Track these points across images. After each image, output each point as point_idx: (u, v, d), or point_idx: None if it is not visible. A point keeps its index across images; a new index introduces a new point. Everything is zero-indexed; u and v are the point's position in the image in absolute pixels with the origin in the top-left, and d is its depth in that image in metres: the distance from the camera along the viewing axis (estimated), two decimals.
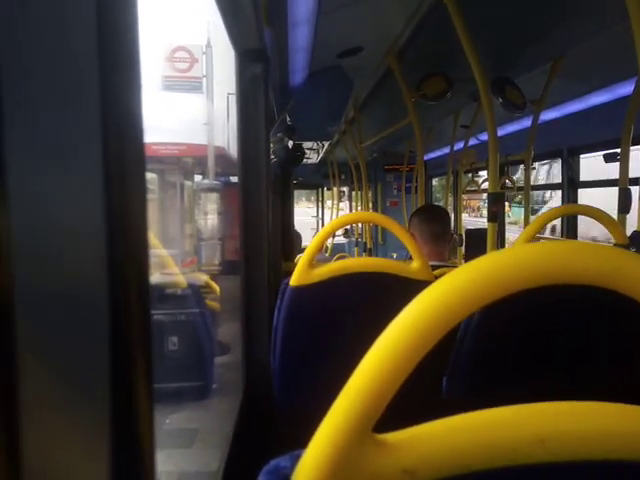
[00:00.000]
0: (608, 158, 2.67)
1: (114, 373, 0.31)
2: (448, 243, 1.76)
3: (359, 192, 6.17)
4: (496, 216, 1.94)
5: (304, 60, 2.11)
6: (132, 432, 0.33)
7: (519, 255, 0.28)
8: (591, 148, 3.07)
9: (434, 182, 7.07)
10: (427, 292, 0.29)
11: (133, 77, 0.33)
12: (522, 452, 0.29)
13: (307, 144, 4.05)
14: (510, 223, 7.54)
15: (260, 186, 1.16)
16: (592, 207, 1.19)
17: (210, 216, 4.47)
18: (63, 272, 0.30)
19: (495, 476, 0.29)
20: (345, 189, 7.95)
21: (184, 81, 5.09)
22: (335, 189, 7.44)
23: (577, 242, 0.30)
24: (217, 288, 4.10)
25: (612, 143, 2.44)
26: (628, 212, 2.09)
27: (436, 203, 6.80)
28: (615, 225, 1.08)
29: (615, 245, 1.12)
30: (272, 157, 2.34)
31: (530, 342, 0.98)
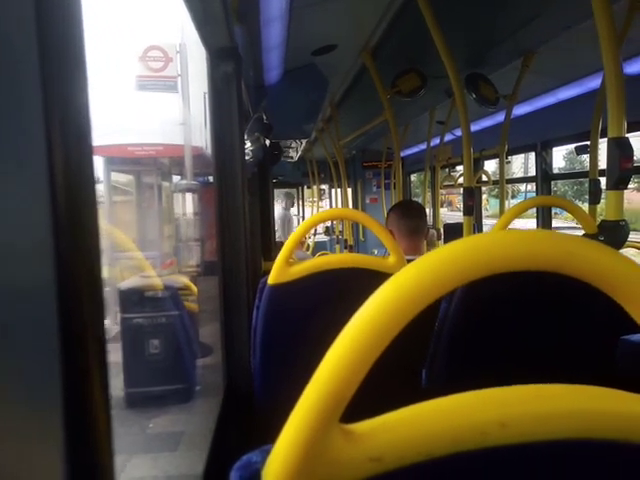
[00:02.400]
0: (579, 150, 2.73)
1: (65, 373, 0.31)
2: (425, 237, 1.78)
3: (339, 190, 6.18)
4: (472, 210, 1.97)
5: (278, 58, 2.10)
6: (87, 430, 0.33)
7: (474, 244, 0.29)
8: (563, 141, 3.14)
9: (413, 178, 7.13)
10: (386, 285, 0.29)
11: (78, 75, 0.33)
12: (484, 436, 0.30)
13: (285, 142, 4.04)
14: (488, 217, 7.66)
15: (236, 185, 1.16)
16: (562, 199, 1.22)
17: (189, 217, 4.42)
18: (9, 271, 0.29)
19: (459, 460, 0.30)
20: (325, 187, 7.96)
21: (158, 81, 5.01)
22: (315, 187, 7.44)
23: (531, 230, 0.31)
24: (196, 289, 4.08)
25: (583, 136, 2.50)
26: (598, 203, 2.14)
27: (415, 199, 6.87)
28: (584, 215, 1.11)
29: (585, 235, 1.15)
30: (250, 156, 2.33)
31: (505, 331, 1.00)
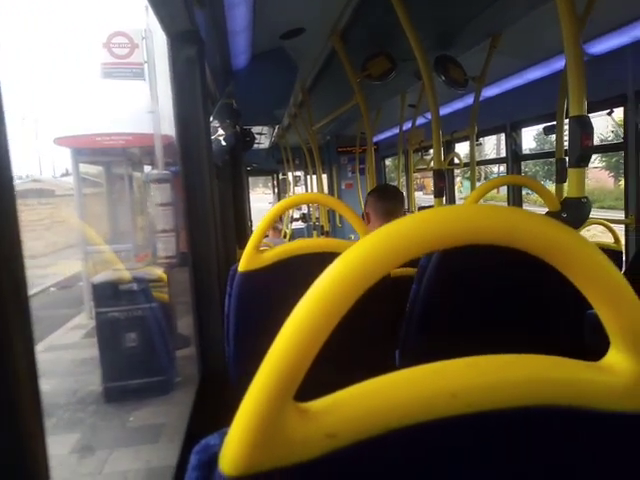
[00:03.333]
0: (547, 130, 2.79)
1: None
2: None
3: (314, 176, 6.16)
4: (442, 191, 1.99)
5: (245, 42, 2.06)
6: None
7: (419, 220, 0.29)
8: (532, 122, 3.19)
9: (388, 162, 7.16)
10: (334, 263, 0.29)
11: None
12: (435, 407, 0.30)
13: (257, 129, 3.99)
14: (462, 199, 7.77)
15: (202, 172, 1.14)
16: (528, 178, 1.25)
17: (162, 207, 4.35)
18: None
19: (413, 432, 0.30)
20: (300, 174, 7.92)
21: (124, 68, 4.86)
22: (290, 174, 7.40)
23: (480, 205, 0.32)
24: (172, 281, 4.03)
25: (551, 116, 2.55)
26: (564, 181, 2.19)
27: (390, 183, 6.90)
28: (547, 193, 1.14)
29: (548, 212, 1.18)
30: (220, 143, 2.29)
31: (474, 309, 1.02)
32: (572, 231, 0.31)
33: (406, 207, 4.29)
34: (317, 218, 6.18)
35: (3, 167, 0.32)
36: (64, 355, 4.40)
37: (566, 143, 2.23)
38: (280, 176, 8.19)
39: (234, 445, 0.29)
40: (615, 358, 0.32)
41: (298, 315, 0.29)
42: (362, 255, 0.29)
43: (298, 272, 1.06)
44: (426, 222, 0.29)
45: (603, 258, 0.30)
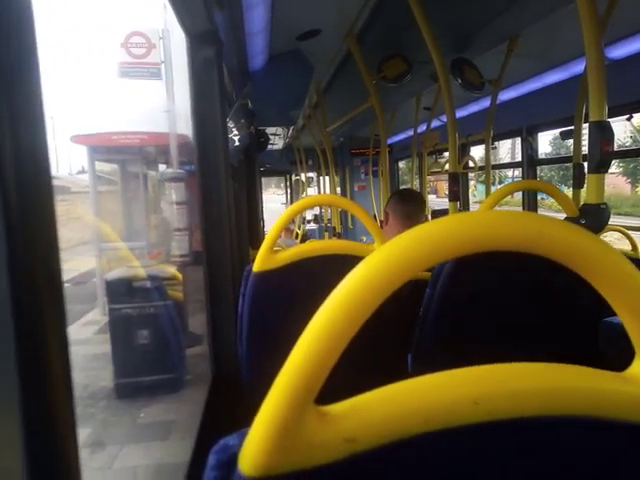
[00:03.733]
0: (564, 135, 2.75)
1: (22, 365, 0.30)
2: (421, 223, 1.80)
3: (327, 178, 6.16)
4: (457, 195, 1.97)
5: (262, 43, 2.07)
6: (46, 429, 0.33)
7: (443, 226, 0.29)
8: (548, 126, 3.16)
9: (401, 165, 7.13)
10: (358, 267, 0.29)
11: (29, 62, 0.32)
12: (457, 414, 0.30)
13: (271, 130, 4.00)
14: (476, 202, 7.71)
15: (219, 172, 1.14)
16: (545, 183, 1.23)
17: (176, 206, 4.38)
18: None
19: (433, 438, 0.30)
20: (313, 175, 7.93)
21: (141, 67, 4.92)
22: (303, 175, 7.41)
23: (502, 211, 0.31)
24: (185, 279, 4.06)
25: (568, 121, 2.51)
26: (582, 187, 2.16)
27: (403, 186, 6.87)
28: (565, 199, 1.12)
29: (566, 218, 1.17)
30: (235, 143, 2.30)
31: (489, 315, 1.01)
32: (597, 238, 0.30)
33: None
34: (329, 219, 6.17)
35: (43, 166, 0.33)
36: (77, 350, 4.45)
37: (584, 148, 2.21)
38: (293, 177, 8.21)
39: (254, 446, 0.29)
40: None
41: (321, 318, 0.29)
42: (386, 260, 0.29)
43: (312, 273, 1.07)
44: (450, 228, 0.29)
45: (630, 266, 0.30)
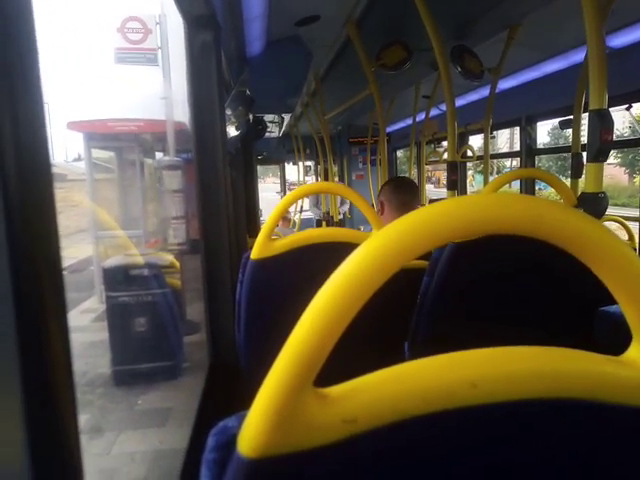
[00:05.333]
0: (563, 125, 2.74)
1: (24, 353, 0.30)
2: None
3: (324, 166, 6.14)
4: (455, 184, 1.97)
5: (260, 29, 2.05)
6: (48, 415, 0.33)
7: (440, 210, 0.29)
8: (547, 115, 3.14)
9: (399, 154, 7.10)
10: (355, 253, 0.29)
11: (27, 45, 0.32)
12: (455, 396, 0.30)
13: (269, 117, 3.98)
14: (474, 192, 7.71)
15: (216, 159, 1.14)
16: (544, 171, 1.24)
17: (173, 194, 4.36)
18: None
19: (432, 420, 0.30)
20: (311, 164, 7.90)
21: (138, 53, 4.84)
22: (300, 164, 7.37)
23: (501, 194, 0.31)
24: (182, 267, 4.06)
25: (567, 110, 2.50)
26: (580, 177, 2.16)
27: (401, 175, 6.85)
28: (563, 187, 1.12)
29: None
30: (233, 131, 2.28)
31: (485, 303, 1.02)
32: (599, 223, 0.30)
33: None
34: (327, 209, 6.16)
35: (42, 153, 0.33)
36: (75, 337, 4.41)
37: (583, 138, 2.20)
38: (292, 165, 8.17)
39: (253, 428, 0.29)
40: (638, 353, 0.32)
41: (320, 301, 0.29)
42: (385, 243, 0.29)
43: (310, 261, 1.07)
44: (449, 211, 0.29)
45: (630, 251, 0.30)
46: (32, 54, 0.33)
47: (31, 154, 0.33)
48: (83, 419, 3.24)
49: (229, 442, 0.32)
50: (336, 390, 0.31)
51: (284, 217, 4.90)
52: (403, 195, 1.73)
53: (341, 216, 5.83)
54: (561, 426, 0.32)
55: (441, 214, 0.29)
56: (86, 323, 4.82)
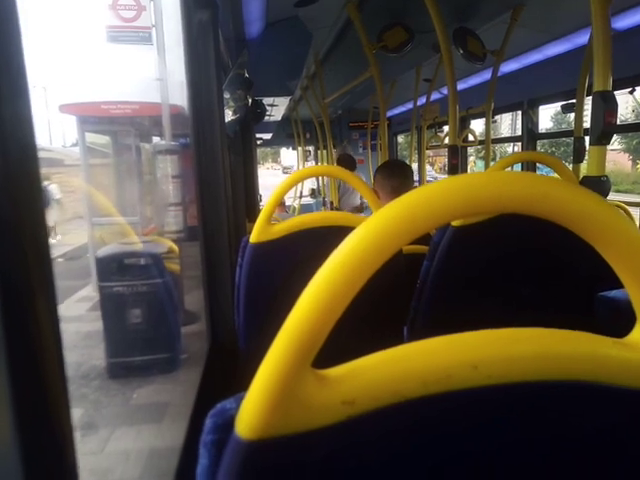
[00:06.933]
0: (565, 109, 2.71)
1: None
2: None
3: (324, 151, 6.10)
4: (456, 168, 1.95)
5: (259, 9, 2.01)
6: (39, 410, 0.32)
7: (448, 186, 0.28)
8: (550, 99, 3.11)
9: (400, 139, 7.05)
10: (352, 235, 0.28)
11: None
12: (456, 378, 0.30)
13: (268, 100, 3.93)
14: None
15: (214, 142, 1.12)
16: (546, 155, 1.22)
17: (170, 180, 4.32)
18: None
19: (431, 402, 0.30)
20: (311, 148, 7.85)
21: (131, 31, 4.71)
22: (300, 148, 7.32)
23: (505, 172, 0.30)
24: (180, 255, 4.01)
25: (570, 94, 2.47)
26: (582, 161, 2.14)
27: (402, 159, 6.80)
28: (565, 170, 1.11)
29: None
30: (232, 114, 2.26)
31: (486, 287, 1.01)
32: (607, 203, 0.29)
33: (417, 182, 4.25)
34: (326, 194, 6.14)
35: (27, 140, 0.32)
36: (69, 327, 4.36)
37: (586, 122, 2.18)
38: (291, 150, 8.12)
39: (251, 409, 0.29)
40: None
41: (318, 283, 0.28)
42: (386, 222, 0.28)
43: (309, 245, 1.06)
44: (451, 189, 0.28)
45: (638, 234, 0.29)
46: (13, 26, 0.31)
47: (16, 139, 0.32)
48: (77, 413, 3.13)
49: (227, 424, 0.31)
50: (335, 372, 0.31)
51: (280, 203, 4.86)
52: (393, 180, 1.71)
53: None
54: (563, 408, 0.32)
55: (442, 193, 0.28)
56: (81, 312, 4.76)
